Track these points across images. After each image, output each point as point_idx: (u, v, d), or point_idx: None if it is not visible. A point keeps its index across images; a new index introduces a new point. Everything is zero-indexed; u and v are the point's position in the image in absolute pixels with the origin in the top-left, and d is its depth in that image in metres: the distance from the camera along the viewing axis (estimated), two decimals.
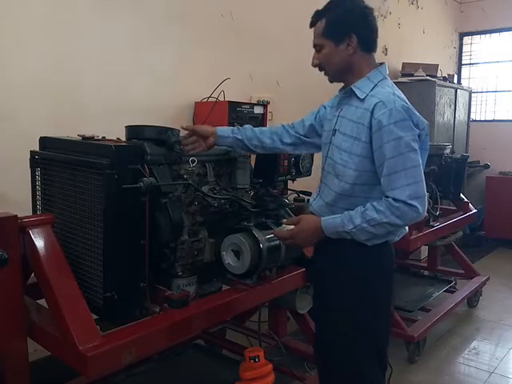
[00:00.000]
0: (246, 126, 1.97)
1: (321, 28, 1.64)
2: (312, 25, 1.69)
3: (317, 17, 1.67)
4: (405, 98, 1.62)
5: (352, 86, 1.64)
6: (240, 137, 1.92)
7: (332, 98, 1.85)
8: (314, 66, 1.72)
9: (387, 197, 1.53)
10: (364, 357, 1.67)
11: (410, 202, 1.49)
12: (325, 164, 1.76)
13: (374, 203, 1.55)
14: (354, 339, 1.66)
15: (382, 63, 1.70)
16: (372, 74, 1.63)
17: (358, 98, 1.61)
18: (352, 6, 1.64)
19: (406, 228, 1.73)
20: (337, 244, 1.64)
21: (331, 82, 1.75)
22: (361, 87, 1.62)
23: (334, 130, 1.69)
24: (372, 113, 1.54)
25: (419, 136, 1.56)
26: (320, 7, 1.69)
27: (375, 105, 1.53)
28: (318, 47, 1.68)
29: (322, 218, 1.64)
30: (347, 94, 1.68)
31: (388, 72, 1.69)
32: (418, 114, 1.58)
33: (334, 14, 1.63)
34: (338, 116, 1.69)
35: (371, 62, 1.67)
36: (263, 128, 2.01)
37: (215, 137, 1.90)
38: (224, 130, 1.92)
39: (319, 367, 1.88)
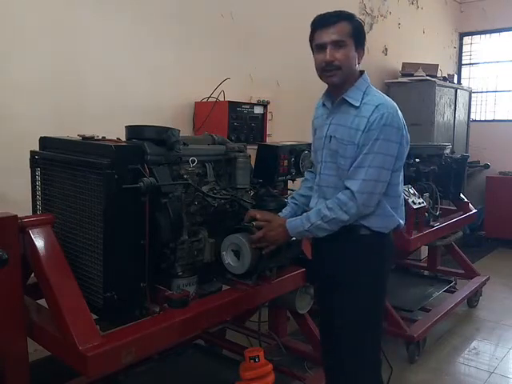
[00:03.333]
0: (296, 196, 2.02)
1: (348, 28, 1.69)
2: (334, 23, 1.69)
3: (341, 17, 1.70)
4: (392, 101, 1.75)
5: (344, 96, 1.74)
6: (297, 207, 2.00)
7: (315, 109, 1.93)
8: (330, 61, 1.69)
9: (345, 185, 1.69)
10: (371, 338, 1.83)
11: (355, 194, 1.65)
12: (322, 168, 1.82)
13: (328, 202, 1.70)
14: (365, 323, 1.77)
15: (362, 71, 1.79)
16: (359, 83, 1.75)
17: (353, 106, 1.71)
18: (362, 24, 1.77)
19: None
20: (344, 239, 1.73)
21: (334, 84, 1.75)
22: (353, 96, 1.72)
23: (330, 137, 1.77)
24: (368, 118, 1.66)
25: (404, 126, 1.71)
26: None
27: (372, 111, 1.66)
28: (340, 43, 1.68)
29: (287, 220, 1.80)
30: (339, 103, 1.76)
31: (369, 79, 1.79)
32: (400, 114, 1.73)
33: (356, 24, 1.72)
34: (330, 124, 1.78)
35: (358, 72, 1.78)
36: (301, 190, 2.05)
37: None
38: (286, 215, 1.96)
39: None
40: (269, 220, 1.82)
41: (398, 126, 1.67)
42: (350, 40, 1.69)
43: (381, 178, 1.66)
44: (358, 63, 1.75)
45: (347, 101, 1.72)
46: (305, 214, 1.77)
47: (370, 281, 1.77)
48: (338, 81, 1.73)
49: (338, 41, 1.68)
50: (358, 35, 1.71)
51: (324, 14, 1.72)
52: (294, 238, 1.87)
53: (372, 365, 1.84)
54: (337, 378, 1.88)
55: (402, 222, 1.82)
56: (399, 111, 1.71)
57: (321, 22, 1.71)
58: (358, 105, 1.69)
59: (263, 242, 1.82)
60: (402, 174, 1.79)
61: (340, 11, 1.72)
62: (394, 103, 1.73)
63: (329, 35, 1.68)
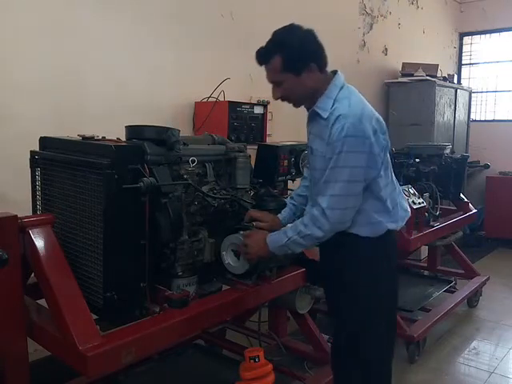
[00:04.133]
0: (294, 196, 2.02)
1: (278, 64, 1.64)
2: (263, 63, 1.68)
3: (268, 54, 1.66)
4: (360, 103, 1.65)
5: (315, 108, 1.69)
6: (295, 208, 2.00)
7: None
8: (277, 99, 1.75)
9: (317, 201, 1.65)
10: (372, 341, 1.77)
11: (325, 210, 1.61)
12: (311, 176, 1.83)
13: (304, 217, 1.70)
14: (365, 326, 1.75)
15: (335, 72, 1.72)
16: (329, 91, 1.67)
17: (322, 117, 1.66)
18: (301, 35, 1.65)
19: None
20: (342, 242, 1.72)
21: (297, 107, 1.79)
22: (322, 106, 1.67)
23: (310, 147, 1.77)
24: (331, 130, 1.60)
25: (375, 132, 1.61)
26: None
27: (333, 123, 1.60)
28: (277, 83, 1.70)
29: (269, 234, 1.77)
30: (312, 114, 1.73)
31: (342, 80, 1.71)
32: (371, 115, 1.63)
33: (288, 49, 1.63)
34: (310, 133, 1.78)
35: (327, 78, 1.70)
36: (299, 189, 2.04)
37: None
38: (285, 217, 1.97)
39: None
40: (251, 235, 1.82)
41: (364, 135, 1.57)
42: (285, 74, 1.64)
43: (350, 191, 1.60)
44: (322, 74, 1.67)
45: (318, 112, 1.68)
46: (283, 228, 1.77)
47: (368, 283, 1.74)
48: (298, 106, 1.77)
49: (274, 81, 1.70)
50: (293, 63, 1.63)
51: (257, 52, 1.70)
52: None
53: (375, 369, 1.80)
54: (338, 379, 1.88)
55: (394, 224, 1.75)
56: (366, 118, 1.59)
57: (257, 61, 1.70)
58: (326, 116, 1.64)
59: (247, 254, 1.82)
60: (388, 176, 1.72)
61: (271, 43, 1.67)
62: (362, 109, 1.62)
63: (266, 75, 1.71)
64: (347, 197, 1.61)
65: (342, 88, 1.67)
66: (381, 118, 1.69)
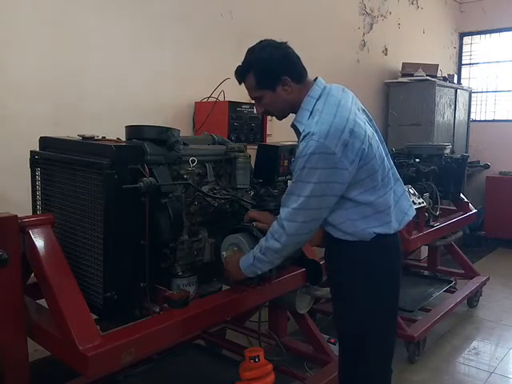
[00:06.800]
0: None
1: (252, 82, 1.68)
2: (241, 81, 1.73)
3: (242, 73, 1.70)
4: (330, 117, 1.57)
5: (294, 122, 1.71)
6: None
7: None
8: (260, 113, 1.81)
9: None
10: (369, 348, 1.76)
11: (283, 222, 1.61)
12: None
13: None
14: (365, 328, 1.74)
15: (315, 80, 1.71)
16: (305, 103, 1.67)
17: (299, 131, 1.67)
18: (271, 50, 1.67)
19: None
20: (341, 246, 1.72)
21: (280, 120, 1.81)
22: (300, 120, 1.68)
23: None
24: (299, 146, 1.61)
25: (346, 145, 1.54)
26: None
27: (301, 139, 1.60)
28: (257, 99, 1.73)
29: (242, 257, 1.77)
30: (293, 127, 1.74)
31: (320, 89, 1.67)
32: (342, 127, 1.55)
33: (259, 66, 1.66)
34: (297, 142, 1.78)
35: (306, 87, 1.69)
36: None
37: None
38: None
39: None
40: (229, 260, 1.84)
41: (327, 152, 1.52)
42: (261, 90, 1.68)
43: (311, 206, 1.58)
44: (299, 85, 1.67)
45: (297, 126, 1.69)
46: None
47: (366, 285, 1.72)
48: (281, 118, 1.79)
49: (254, 98, 1.73)
50: (265, 79, 1.66)
51: (235, 71, 1.73)
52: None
53: (375, 369, 1.79)
54: (343, 379, 1.88)
55: (383, 228, 1.68)
56: (333, 134, 1.53)
57: (236, 79, 1.74)
58: (301, 130, 1.63)
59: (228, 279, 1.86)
60: (377, 179, 1.65)
61: (243, 61, 1.70)
62: (331, 124, 1.54)
63: (247, 91, 1.74)
64: (307, 210, 1.59)
65: (319, 98, 1.66)
66: (358, 124, 1.59)
